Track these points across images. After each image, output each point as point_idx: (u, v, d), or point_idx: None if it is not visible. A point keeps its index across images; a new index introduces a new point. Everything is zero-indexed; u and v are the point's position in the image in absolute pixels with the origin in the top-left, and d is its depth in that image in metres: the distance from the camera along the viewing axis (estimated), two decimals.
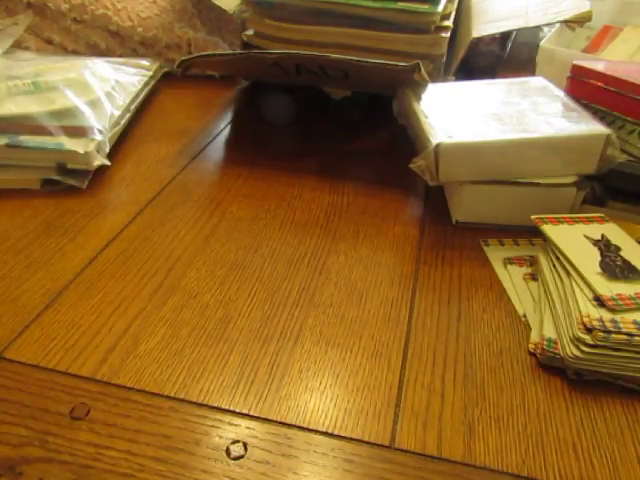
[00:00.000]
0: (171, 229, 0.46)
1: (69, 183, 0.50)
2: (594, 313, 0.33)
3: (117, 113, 0.57)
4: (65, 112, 0.53)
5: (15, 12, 0.71)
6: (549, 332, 0.35)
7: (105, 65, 0.64)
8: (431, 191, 0.53)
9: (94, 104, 0.55)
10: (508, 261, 0.44)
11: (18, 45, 0.70)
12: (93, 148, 0.50)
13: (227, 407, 0.32)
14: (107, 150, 0.53)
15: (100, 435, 0.30)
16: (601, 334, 0.32)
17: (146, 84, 0.67)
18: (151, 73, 0.68)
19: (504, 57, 0.81)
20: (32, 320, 0.37)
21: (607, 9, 0.76)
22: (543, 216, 0.42)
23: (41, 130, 0.50)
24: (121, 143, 0.58)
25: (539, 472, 0.29)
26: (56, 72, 0.59)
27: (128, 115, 0.60)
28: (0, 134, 0.50)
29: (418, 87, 0.55)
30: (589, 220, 0.42)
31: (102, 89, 0.58)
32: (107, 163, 0.51)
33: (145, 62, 0.70)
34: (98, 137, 0.51)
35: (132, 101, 0.62)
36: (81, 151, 0.49)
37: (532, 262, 0.43)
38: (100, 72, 0.61)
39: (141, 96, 0.65)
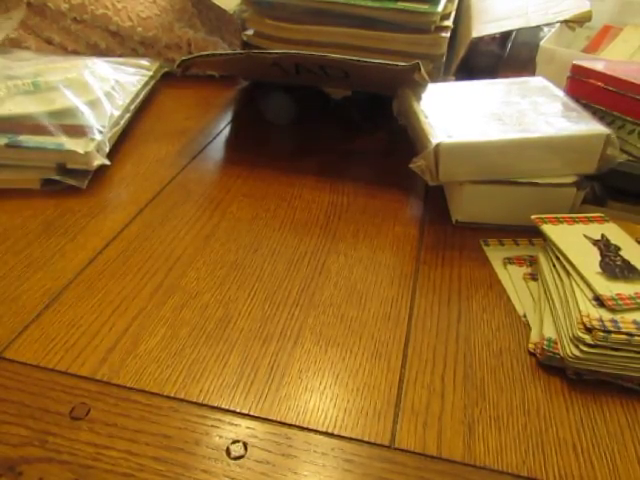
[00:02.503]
0: (171, 229, 0.46)
1: (69, 183, 0.50)
2: (594, 313, 0.33)
3: (117, 113, 0.57)
4: (65, 112, 0.53)
5: None
6: (549, 332, 0.35)
7: (105, 65, 0.64)
8: (431, 191, 0.53)
9: (94, 104, 0.55)
10: (508, 261, 0.44)
11: (18, 45, 0.70)
12: (93, 148, 0.50)
13: (227, 407, 0.32)
14: (107, 150, 0.53)
15: (100, 435, 0.30)
16: (601, 334, 0.32)
17: (146, 84, 0.67)
18: (151, 73, 0.68)
19: (504, 57, 0.81)
20: (32, 320, 0.37)
21: (607, 9, 0.76)
22: (543, 216, 0.42)
23: (41, 130, 0.50)
24: (121, 143, 0.58)
25: (539, 472, 0.29)
26: (56, 72, 0.59)
27: (128, 115, 0.60)
28: (0, 134, 0.50)
29: (418, 87, 0.55)
30: (589, 220, 0.42)
31: (102, 89, 0.58)
32: (107, 163, 0.51)
33: (145, 62, 0.70)
34: (98, 137, 0.51)
35: (132, 101, 0.62)
36: (81, 151, 0.49)
37: (532, 262, 0.43)
38: (100, 72, 0.61)
39: (141, 96, 0.65)
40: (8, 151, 0.49)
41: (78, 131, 0.51)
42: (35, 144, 0.49)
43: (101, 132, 0.52)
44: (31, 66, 0.60)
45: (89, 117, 0.53)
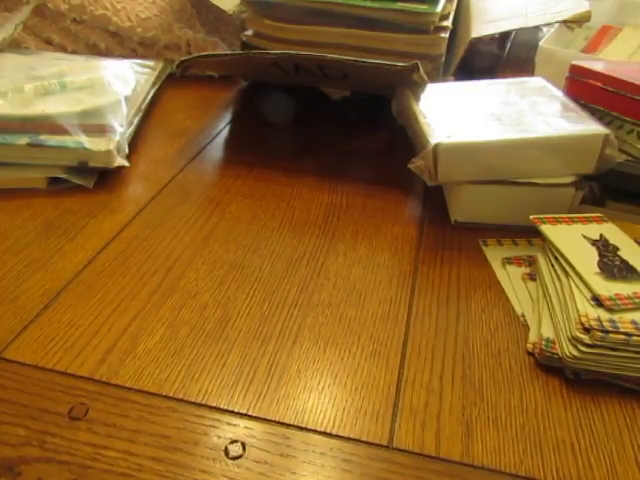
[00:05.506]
0: (170, 229, 0.47)
1: (77, 182, 0.51)
2: (592, 313, 0.33)
3: (132, 113, 0.58)
4: (89, 112, 0.53)
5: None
6: (547, 332, 0.35)
7: (122, 65, 0.65)
8: (430, 191, 0.53)
9: (115, 104, 0.56)
10: (507, 261, 0.44)
11: (18, 45, 0.70)
12: (114, 147, 0.50)
13: (226, 407, 0.32)
14: (127, 151, 0.53)
15: (99, 435, 0.30)
16: (599, 334, 0.32)
17: (154, 84, 0.68)
18: (157, 73, 0.69)
19: (503, 57, 0.81)
20: (31, 320, 0.37)
21: (606, 9, 0.76)
22: (542, 216, 0.42)
23: (59, 130, 0.50)
24: None
25: (537, 472, 0.29)
26: (79, 72, 0.59)
27: (140, 115, 0.61)
28: (21, 134, 0.50)
29: (417, 87, 0.55)
30: (587, 220, 0.42)
31: (122, 89, 0.59)
32: (126, 164, 0.52)
33: (151, 62, 0.70)
34: (118, 137, 0.52)
35: (143, 100, 0.63)
36: (103, 149, 0.49)
37: (531, 262, 0.43)
38: (120, 73, 0.62)
39: (150, 96, 0.65)
40: (30, 150, 0.49)
41: (98, 130, 0.51)
42: (57, 143, 0.49)
43: (120, 132, 0.53)
44: (54, 66, 0.60)
45: (110, 117, 0.53)
